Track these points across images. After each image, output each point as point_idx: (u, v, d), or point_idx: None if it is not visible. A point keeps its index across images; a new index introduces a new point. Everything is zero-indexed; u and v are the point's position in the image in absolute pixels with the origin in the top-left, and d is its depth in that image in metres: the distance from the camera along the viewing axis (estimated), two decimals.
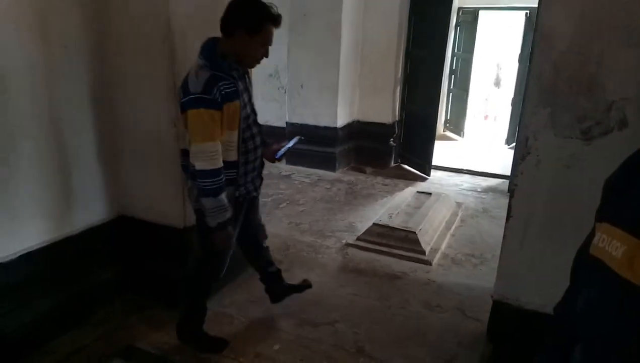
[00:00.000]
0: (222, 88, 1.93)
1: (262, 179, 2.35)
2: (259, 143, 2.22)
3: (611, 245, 0.67)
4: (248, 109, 2.12)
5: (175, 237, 2.69)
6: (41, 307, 2.43)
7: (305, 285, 2.85)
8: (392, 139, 5.79)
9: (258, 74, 5.23)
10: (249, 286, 3.00)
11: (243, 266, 3.15)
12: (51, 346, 2.43)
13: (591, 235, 0.78)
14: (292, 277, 3.13)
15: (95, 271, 2.71)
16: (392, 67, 5.59)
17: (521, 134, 2.23)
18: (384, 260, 3.44)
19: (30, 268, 2.35)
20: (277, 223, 4.04)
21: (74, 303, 2.58)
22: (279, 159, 2.38)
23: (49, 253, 2.44)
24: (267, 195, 4.60)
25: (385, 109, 5.76)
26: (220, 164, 1.98)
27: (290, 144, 2.36)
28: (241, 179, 2.16)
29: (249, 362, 2.34)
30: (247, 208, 2.31)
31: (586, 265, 0.75)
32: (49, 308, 2.46)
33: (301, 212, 4.29)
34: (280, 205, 4.48)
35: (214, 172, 1.97)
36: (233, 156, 2.08)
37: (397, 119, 5.85)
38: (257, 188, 2.32)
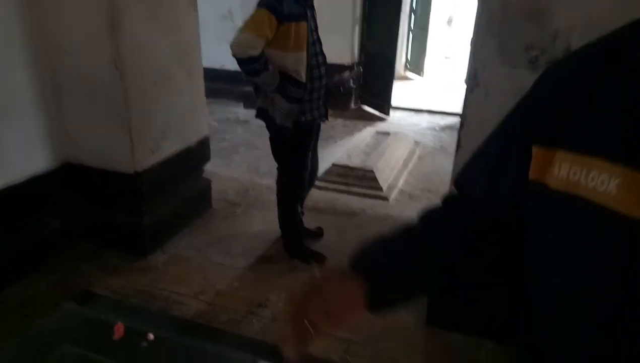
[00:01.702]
0: (291, 6, 2.19)
1: (327, 108, 2.56)
2: (324, 73, 2.45)
3: (591, 178, 0.56)
4: (315, 36, 2.37)
5: (125, 183, 2.62)
6: None
7: (319, 232, 2.89)
8: (351, 80, 5.72)
9: (210, 15, 4.99)
10: (206, 229, 3.00)
11: (199, 211, 3.14)
12: (1, 296, 2.38)
13: (519, 163, 0.65)
14: (251, 219, 3.16)
15: (43, 220, 2.63)
16: (349, 5, 5.43)
17: (470, 67, 2.23)
18: (343, 198, 3.49)
19: None
20: (236, 168, 4.01)
21: (23, 252, 2.52)
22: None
23: None
24: (224, 140, 4.52)
25: (344, 49, 5.64)
26: (255, 54, 2.16)
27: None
28: (306, 105, 2.39)
29: (210, 299, 2.37)
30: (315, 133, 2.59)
31: (546, 201, 0.61)
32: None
33: (260, 157, 4.25)
34: (239, 150, 4.42)
35: (251, 60, 2.18)
36: (302, 77, 2.31)
37: (356, 60, 5.76)
38: (322, 116, 2.53)
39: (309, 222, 2.89)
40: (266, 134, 2.55)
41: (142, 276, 2.55)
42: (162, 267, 2.64)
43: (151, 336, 1.44)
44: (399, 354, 2.02)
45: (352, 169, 3.66)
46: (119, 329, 1.46)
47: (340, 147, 4.50)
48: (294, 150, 2.49)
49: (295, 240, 2.74)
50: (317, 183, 3.65)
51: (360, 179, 3.59)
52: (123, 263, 2.65)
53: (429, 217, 0.81)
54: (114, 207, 2.72)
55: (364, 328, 2.14)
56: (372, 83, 5.70)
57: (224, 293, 2.41)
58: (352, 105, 5.86)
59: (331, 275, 0.78)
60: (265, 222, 3.00)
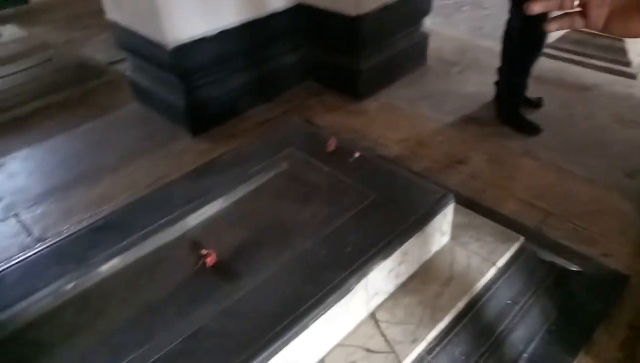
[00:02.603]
0: None
1: None
2: None
3: None
4: None
5: (347, 25, 2.73)
6: (238, 80, 2.84)
7: (538, 103, 2.71)
8: None
9: None
10: (419, 84, 3.02)
11: (413, 65, 3.14)
12: (245, 116, 2.88)
13: None
14: (465, 80, 3.04)
15: (281, 55, 2.99)
16: None
17: None
18: (575, 70, 3.05)
19: (229, 45, 2.69)
20: (456, 27, 3.79)
21: (264, 81, 2.94)
22: None
23: (242, 33, 2.72)
24: None
25: None
26: None
27: None
28: None
29: (412, 147, 2.47)
30: None
31: None
32: (245, 82, 2.86)
33: (484, 17, 3.90)
34: (462, 9, 4.12)
35: None
36: None
37: None
38: None
39: (529, 90, 2.65)
40: None
41: (354, 117, 2.77)
42: (374, 113, 2.81)
43: (357, 154, 1.61)
44: (602, 237, 1.86)
45: (594, 35, 3.11)
46: (332, 143, 1.66)
47: None
48: None
49: (513, 104, 2.56)
50: (546, 50, 3.24)
51: (604, 49, 3.05)
52: (340, 104, 2.90)
53: None
54: (337, 49, 2.90)
55: (569, 203, 2.00)
56: None
57: (426, 144, 2.48)
58: None
59: None
60: (481, 83, 2.85)
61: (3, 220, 2.27)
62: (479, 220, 1.63)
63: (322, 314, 1.16)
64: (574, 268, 1.63)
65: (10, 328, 1.19)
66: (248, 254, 1.35)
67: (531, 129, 2.47)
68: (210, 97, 2.75)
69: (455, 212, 1.64)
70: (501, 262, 1.48)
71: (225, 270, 1.30)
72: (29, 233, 2.16)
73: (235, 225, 1.46)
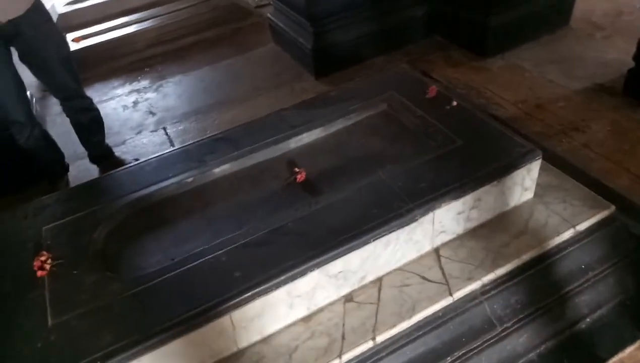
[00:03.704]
0: None
1: None
2: None
3: None
4: None
5: None
6: (364, 29, 2.95)
7: None
8: None
9: None
10: (553, 47, 2.83)
11: (552, 26, 2.94)
12: (366, 63, 3.00)
13: None
14: (609, 46, 2.78)
15: (409, 6, 3.01)
16: None
17: None
18: None
19: None
20: None
21: (390, 31, 3.02)
22: None
23: None
24: None
25: None
26: None
27: None
28: None
29: (528, 110, 2.39)
30: None
31: None
32: (371, 31, 2.96)
33: None
34: None
35: None
36: None
37: None
38: None
39: None
40: None
41: (475, 74, 2.73)
42: (496, 71, 2.73)
43: (454, 103, 1.67)
44: None
45: None
46: (432, 91, 1.73)
47: None
48: None
49: None
50: None
51: None
52: (463, 60, 2.87)
53: None
54: (466, 3, 2.84)
55: None
56: None
57: (544, 108, 2.38)
58: None
59: None
60: (625, 52, 2.58)
61: (154, 131, 2.76)
62: (571, 183, 1.59)
63: (383, 235, 1.30)
64: None
65: (143, 203, 1.54)
66: (332, 177, 1.52)
67: None
68: (336, 42, 2.91)
69: (548, 172, 1.63)
70: (582, 226, 1.45)
71: (310, 187, 1.50)
72: (172, 144, 2.60)
73: (327, 152, 1.64)
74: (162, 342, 1.12)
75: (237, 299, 1.19)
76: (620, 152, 2.04)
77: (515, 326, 1.36)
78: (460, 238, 1.46)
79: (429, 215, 1.35)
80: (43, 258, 1.32)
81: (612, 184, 1.85)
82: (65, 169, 2.40)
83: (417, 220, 1.33)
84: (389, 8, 2.97)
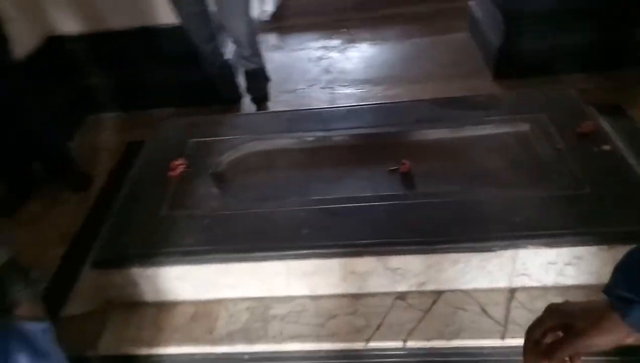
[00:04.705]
0: None
1: None
2: None
3: None
4: None
5: None
6: (569, 40, 2.62)
7: None
8: None
9: None
10: None
11: None
12: (556, 78, 2.69)
13: None
14: None
15: (630, 27, 2.59)
16: None
17: None
18: None
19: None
20: None
21: (599, 49, 2.64)
22: None
23: None
24: None
25: None
26: None
27: None
28: None
29: None
30: None
31: None
32: (576, 44, 2.62)
33: None
34: None
35: None
36: None
37: None
38: None
39: None
40: None
41: None
42: None
43: (607, 147, 1.48)
44: None
45: None
46: (588, 126, 1.56)
47: None
48: None
49: None
50: None
51: None
52: None
53: None
54: None
55: None
56: None
57: None
58: None
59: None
60: None
61: (324, 88, 2.98)
62: None
63: (450, 251, 1.28)
64: None
65: (268, 146, 1.74)
66: (435, 179, 1.51)
67: None
68: (527, 46, 2.69)
69: None
70: None
71: (410, 181, 1.52)
72: (332, 104, 2.79)
73: (443, 154, 1.62)
74: (222, 260, 1.34)
75: (296, 252, 1.33)
76: None
77: None
78: (545, 289, 1.34)
79: (510, 252, 1.27)
80: (178, 162, 1.63)
81: None
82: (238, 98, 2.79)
83: (493, 251, 1.27)
84: (604, 23, 2.61)
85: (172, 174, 1.61)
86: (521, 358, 1.22)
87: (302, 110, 1.98)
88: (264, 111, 2.59)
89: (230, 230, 1.39)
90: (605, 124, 1.71)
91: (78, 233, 1.98)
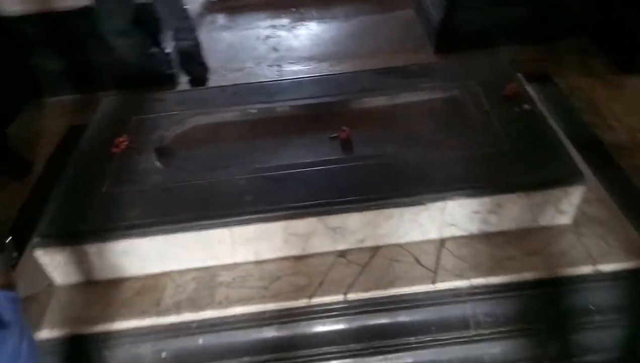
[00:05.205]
0: None
1: None
2: None
3: None
4: None
5: None
6: (505, 13, 2.74)
7: None
8: None
9: None
10: None
11: None
12: (493, 50, 2.82)
13: None
14: None
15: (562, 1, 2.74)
16: None
17: None
18: None
19: None
20: None
21: (533, 22, 2.79)
22: None
23: None
24: None
25: None
26: None
27: None
28: None
29: None
30: None
31: None
32: (511, 17, 2.74)
33: None
34: None
35: None
36: None
37: None
38: None
39: None
40: None
41: (603, 89, 2.45)
42: (629, 91, 2.42)
43: (527, 106, 1.59)
44: None
45: None
46: (511, 89, 1.67)
47: None
48: None
49: None
50: None
51: None
52: (600, 71, 2.58)
53: None
54: (627, 5, 2.50)
55: None
56: None
57: None
58: None
59: None
60: None
61: (271, 65, 3.01)
62: (622, 223, 1.44)
63: (385, 207, 1.36)
64: None
65: (210, 120, 1.77)
66: (372, 144, 1.59)
67: None
68: (467, 20, 2.80)
69: (604, 205, 1.50)
70: (607, 268, 1.33)
71: (348, 146, 1.59)
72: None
73: (379, 121, 1.70)
74: (167, 231, 1.37)
75: (240, 217, 1.38)
76: None
77: (492, 336, 1.35)
78: (471, 237, 1.45)
79: (439, 204, 1.37)
80: (121, 139, 1.65)
81: None
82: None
83: (423, 204, 1.36)
84: None
85: (115, 150, 1.62)
86: (450, 299, 1.34)
87: (246, 83, 2.02)
88: (208, 87, 2.60)
89: (174, 202, 1.43)
90: (531, 90, 1.83)
91: (17, 217, 1.96)
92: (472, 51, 2.85)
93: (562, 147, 1.46)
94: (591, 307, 1.34)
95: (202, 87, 2.04)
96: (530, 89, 1.80)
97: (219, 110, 1.80)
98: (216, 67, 2.91)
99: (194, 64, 2.73)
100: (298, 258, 1.46)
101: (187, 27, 2.63)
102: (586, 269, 1.34)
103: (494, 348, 1.34)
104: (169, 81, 2.77)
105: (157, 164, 1.57)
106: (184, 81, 2.80)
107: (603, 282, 1.34)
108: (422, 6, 3.17)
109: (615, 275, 1.35)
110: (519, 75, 1.86)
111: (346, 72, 1.97)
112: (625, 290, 1.33)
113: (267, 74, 2.92)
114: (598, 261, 1.35)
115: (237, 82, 2.83)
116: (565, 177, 1.35)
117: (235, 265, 1.46)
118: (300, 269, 1.44)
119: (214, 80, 2.83)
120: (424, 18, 3.12)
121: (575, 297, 1.34)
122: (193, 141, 1.71)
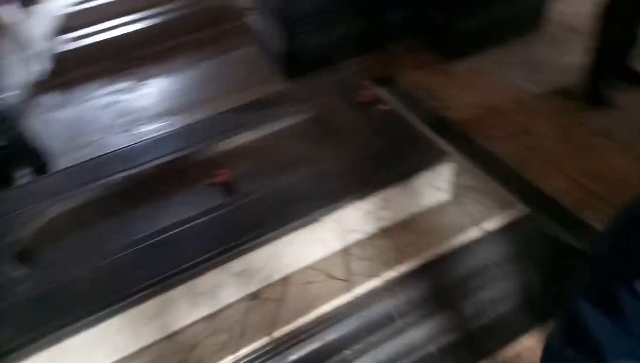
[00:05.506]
0: None
1: None
2: None
3: None
4: None
5: None
6: (338, 32, 2.96)
7: None
8: None
9: None
10: (527, 49, 2.87)
11: (529, 25, 2.92)
12: (339, 66, 3.01)
13: None
14: (584, 51, 2.76)
15: (387, 9, 3.01)
16: None
17: None
18: None
19: None
20: None
21: (365, 34, 3.03)
22: None
23: None
24: None
25: None
26: None
27: None
28: None
29: (480, 113, 2.39)
30: None
31: None
32: (346, 34, 2.97)
33: None
34: None
35: None
36: None
37: None
38: None
39: None
40: None
41: (436, 77, 2.74)
42: (458, 75, 2.74)
43: (384, 106, 1.70)
44: None
45: None
46: (366, 95, 1.76)
47: None
48: None
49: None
50: None
51: None
52: (430, 63, 2.88)
53: None
54: (439, 6, 2.85)
55: (627, 191, 1.81)
56: None
57: (499, 111, 2.38)
58: None
59: None
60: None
61: (121, 132, 2.85)
62: (491, 186, 1.60)
63: (285, 235, 1.34)
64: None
65: (69, 205, 1.61)
66: (252, 180, 1.57)
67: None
68: (308, 44, 2.95)
69: (471, 175, 1.65)
70: (489, 225, 1.47)
71: (228, 188, 1.54)
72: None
73: (252, 157, 1.69)
74: (52, 342, 1.19)
75: (136, 297, 1.25)
76: (560, 155, 2.03)
77: (416, 320, 1.40)
78: (371, 237, 1.50)
79: (333, 215, 1.39)
80: None
81: (546, 186, 1.85)
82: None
83: (318, 220, 1.37)
84: (364, 11, 2.99)
85: None
86: (370, 300, 1.35)
87: (97, 157, 1.86)
88: (57, 170, 2.35)
89: (54, 306, 1.25)
90: (381, 92, 1.97)
91: None
92: (319, 71, 3.01)
93: (422, 133, 1.59)
94: (487, 262, 1.46)
95: (52, 173, 1.84)
96: (377, 90, 1.94)
97: (79, 192, 1.63)
98: (60, 148, 2.67)
99: (25, 152, 2.48)
100: (210, 317, 1.37)
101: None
102: (474, 232, 1.46)
103: (422, 330, 1.40)
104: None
105: (21, 270, 1.36)
106: (24, 174, 2.51)
107: (491, 238, 1.47)
108: (262, 40, 3.27)
109: (499, 230, 1.49)
110: (368, 82, 1.99)
111: (204, 118, 1.92)
112: (511, 238, 1.48)
113: (119, 141, 2.74)
114: (482, 222, 1.48)
115: (87, 158, 2.63)
116: (433, 158, 1.47)
117: (145, 349, 1.32)
118: (216, 326, 1.35)
119: (61, 163, 2.57)
120: (267, 50, 3.22)
121: (472, 259, 1.46)
122: (57, 233, 1.52)
